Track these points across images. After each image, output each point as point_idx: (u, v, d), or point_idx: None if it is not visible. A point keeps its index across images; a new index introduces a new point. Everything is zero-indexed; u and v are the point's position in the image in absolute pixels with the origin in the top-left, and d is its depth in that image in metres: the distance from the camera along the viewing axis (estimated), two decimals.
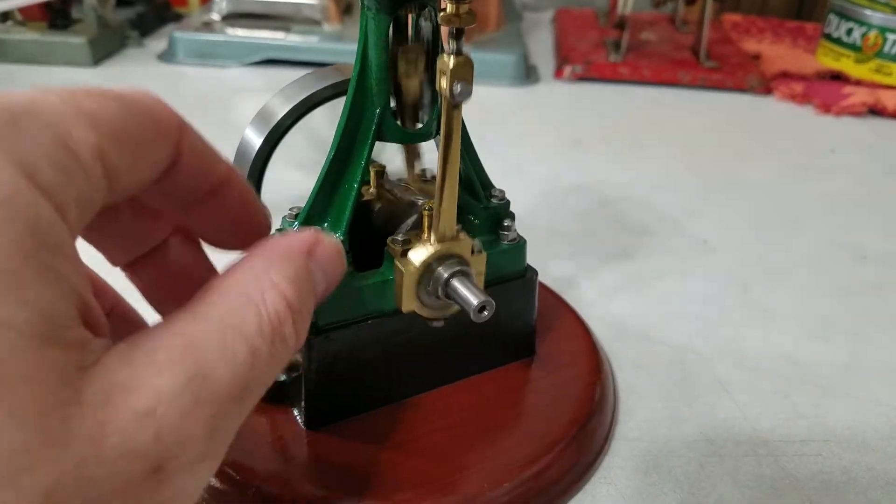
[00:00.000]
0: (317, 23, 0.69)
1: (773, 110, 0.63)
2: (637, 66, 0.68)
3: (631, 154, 0.53)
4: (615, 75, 0.67)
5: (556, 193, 0.46)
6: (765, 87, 0.67)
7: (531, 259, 0.27)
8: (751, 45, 0.77)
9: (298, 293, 0.16)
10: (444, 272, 0.22)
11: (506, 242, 0.26)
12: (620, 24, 0.69)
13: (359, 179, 0.23)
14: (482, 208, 0.26)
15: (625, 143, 0.55)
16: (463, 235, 0.23)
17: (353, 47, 0.21)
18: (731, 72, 0.67)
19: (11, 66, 0.62)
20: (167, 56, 0.66)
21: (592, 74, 0.68)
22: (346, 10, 0.72)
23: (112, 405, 0.12)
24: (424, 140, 0.24)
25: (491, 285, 0.25)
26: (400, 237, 0.23)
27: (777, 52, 0.74)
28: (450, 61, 0.19)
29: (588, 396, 0.27)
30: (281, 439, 0.24)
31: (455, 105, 0.20)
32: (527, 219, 0.41)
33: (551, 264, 0.38)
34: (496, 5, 0.73)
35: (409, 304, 0.23)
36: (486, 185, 0.26)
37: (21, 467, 0.11)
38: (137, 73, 0.62)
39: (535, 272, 0.27)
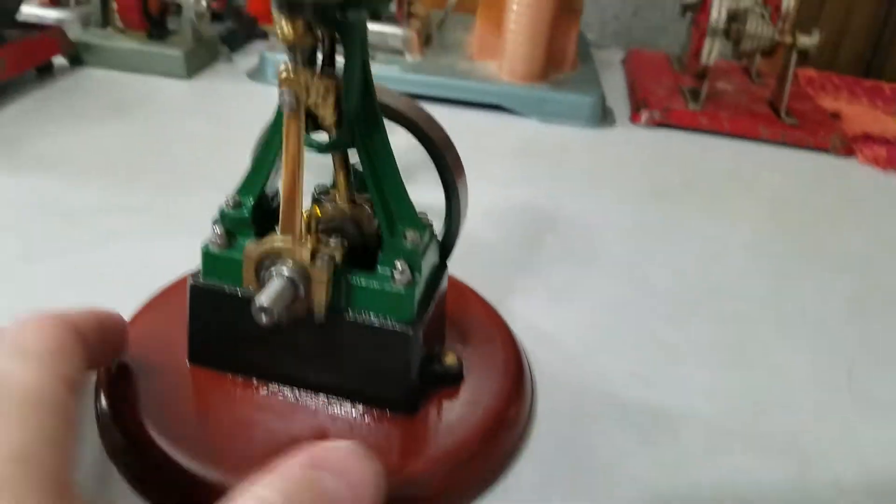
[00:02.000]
0: (399, 53, 0.70)
1: (858, 174, 0.63)
2: (716, 117, 0.68)
3: (716, 207, 0.53)
4: (694, 123, 0.67)
5: (643, 243, 0.46)
6: (846, 149, 0.66)
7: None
8: (827, 103, 0.76)
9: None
10: (277, 268, 0.24)
11: (391, 285, 0.25)
12: (702, 74, 0.69)
13: (271, 165, 0.26)
14: (389, 244, 0.26)
15: (708, 195, 0.55)
16: (311, 240, 0.24)
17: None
18: (813, 130, 0.67)
19: (111, 71, 0.64)
20: (256, 75, 0.67)
21: (671, 121, 0.68)
22: (426, 42, 0.74)
23: None
24: (323, 151, 0.25)
25: (367, 318, 0.26)
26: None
27: (856, 112, 0.74)
28: (282, 73, 0.23)
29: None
30: (167, 365, 0.28)
31: (285, 109, 0.23)
32: (610, 261, 0.41)
33: (643, 320, 0.38)
34: (573, 45, 0.74)
35: (249, 282, 0.25)
36: (410, 221, 0.26)
37: None
38: (228, 90, 0.64)
39: (418, 328, 0.26)
